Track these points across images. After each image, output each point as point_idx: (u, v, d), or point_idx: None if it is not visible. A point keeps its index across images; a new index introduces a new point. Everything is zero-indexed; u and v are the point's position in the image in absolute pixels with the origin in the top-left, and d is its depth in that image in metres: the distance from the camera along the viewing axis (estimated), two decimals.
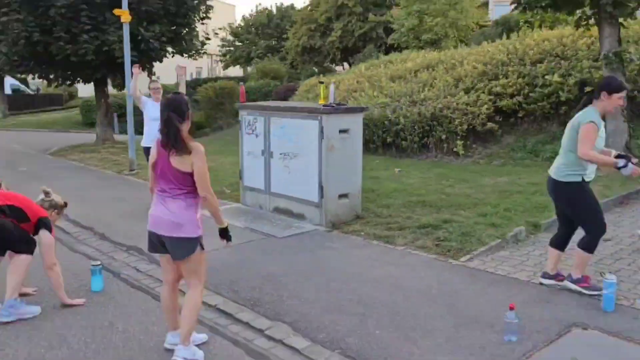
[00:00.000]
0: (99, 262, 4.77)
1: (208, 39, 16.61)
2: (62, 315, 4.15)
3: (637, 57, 9.64)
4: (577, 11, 9.66)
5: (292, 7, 38.57)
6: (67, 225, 6.83)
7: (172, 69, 42.15)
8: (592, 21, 9.55)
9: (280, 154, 6.97)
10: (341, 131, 6.48)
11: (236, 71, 43.40)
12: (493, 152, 11.92)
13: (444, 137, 12.12)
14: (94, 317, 4.11)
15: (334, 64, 28.17)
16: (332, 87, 6.52)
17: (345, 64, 27.50)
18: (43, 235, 4.20)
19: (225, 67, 39.86)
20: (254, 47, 36.86)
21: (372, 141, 13.32)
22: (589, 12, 9.47)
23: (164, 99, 3.47)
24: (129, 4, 12.44)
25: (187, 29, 14.72)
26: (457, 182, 8.99)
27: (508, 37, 14.32)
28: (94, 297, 4.50)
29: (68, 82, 14.84)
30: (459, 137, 11.96)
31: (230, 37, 39.30)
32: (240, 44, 38.92)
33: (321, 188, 6.47)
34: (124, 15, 10.26)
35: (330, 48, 25.45)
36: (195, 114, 21.30)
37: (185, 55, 15.71)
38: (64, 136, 20.58)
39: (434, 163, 11.69)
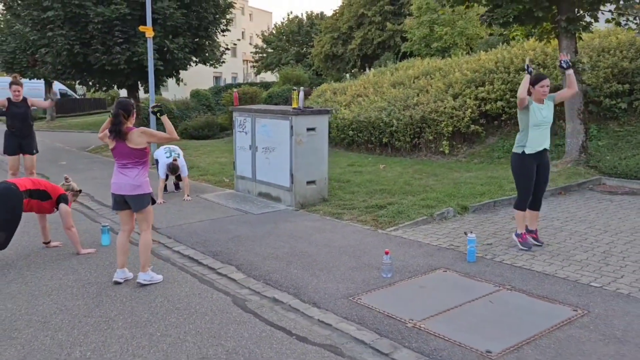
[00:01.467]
0: (107, 224, 6.40)
1: (227, 49, 18.25)
2: (78, 259, 5.77)
3: (589, 66, 10.78)
4: (538, 26, 10.86)
5: (321, 15, 40.21)
6: (93, 204, 8.54)
7: (203, 75, 44.14)
8: (553, 34, 10.75)
9: (262, 147, 8.51)
10: (308, 129, 7.96)
11: (270, 77, 45.30)
12: (476, 151, 13.17)
13: (431, 137, 13.43)
14: (100, 260, 5.72)
15: (354, 70, 29.55)
16: (301, 93, 8.01)
17: (367, 71, 28.86)
18: (62, 206, 5.86)
19: (258, 72, 41.74)
20: (284, 54, 38.64)
21: (370, 141, 14.77)
22: (549, 26, 10.68)
23: (116, 101, 5.02)
24: (157, 19, 14.33)
25: (208, 41, 16.40)
26: (428, 176, 10.31)
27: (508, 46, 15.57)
28: (102, 249, 6.11)
29: (104, 88, 16.77)
30: (445, 138, 13.26)
31: (262, 44, 41.25)
32: (271, 50, 40.78)
33: (292, 176, 7.97)
34: (148, 31, 12.00)
35: (351, 55, 26.92)
36: (220, 117, 23.14)
37: (207, 64, 17.40)
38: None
39: (420, 161, 12.99)
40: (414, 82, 15.74)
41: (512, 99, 12.79)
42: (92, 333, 3.95)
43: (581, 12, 10.15)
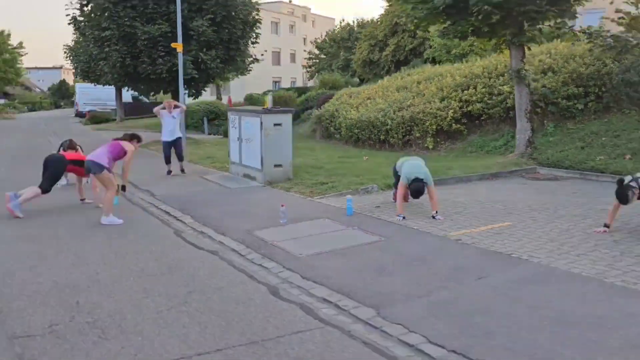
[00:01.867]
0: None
1: (256, 59, 20.92)
2: (95, 211, 8.45)
3: (531, 74, 12.52)
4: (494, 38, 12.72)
5: (372, 23, 42.37)
6: None
7: (263, 79, 46.82)
8: (504, 45, 12.60)
9: (245, 139, 10.99)
10: (275, 124, 10.36)
11: None
12: (456, 147, 15.09)
13: (418, 135, 15.46)
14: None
15: (388, 76, 31.56)
16: (270, 97, 10.44)
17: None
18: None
19: (310, 77, 44.45)
20: (334, 60, 41.15)
21: (370, 138, 16.95)
22: (500, 39, 12.53)
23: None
24: (192, 35, 17.19)
25: (238, 53, 19.13)
26: (387, 165, 12.34)
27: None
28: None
29: (152, 93, 19.89)
30: (430, 135, 15.25)
31: (316, 51, 43.99)
32: (324, 56, 43.42)
33: (262, 160, 10.40)
34: (179, 47, 14.81)
35: (385, 61, 29.04)
36: None
37: (238, 72, 20.18)
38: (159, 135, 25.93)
39: (405, 154, 15.02)
40: (415, 87, 17.72)
41: (489, 101, 14.62)
42: (94, 251, 6.56)
43: (525, 26, 11.93)
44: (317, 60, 43.51)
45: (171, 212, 8.26)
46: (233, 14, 17.79)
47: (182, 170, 12.01)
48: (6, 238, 6.78)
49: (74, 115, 42.60)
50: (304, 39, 60.75)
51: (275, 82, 52.60)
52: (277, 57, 54.53)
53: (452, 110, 15.03)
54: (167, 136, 11.99)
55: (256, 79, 48.16)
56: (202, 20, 17.15)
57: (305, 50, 51.35)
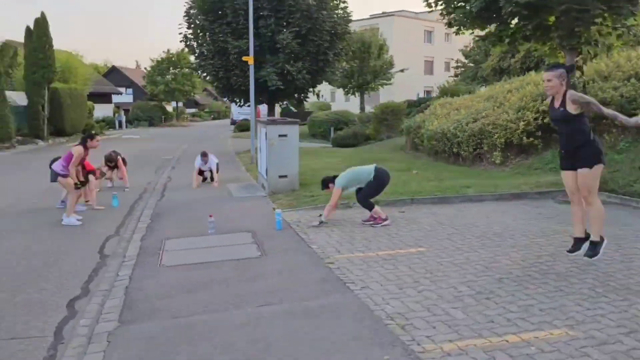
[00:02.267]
0: (115, 192, 9.95)
1: (345, 70, 20.93)
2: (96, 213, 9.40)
3: (583, 81, 10.83)
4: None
5: None
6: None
7: (413, 87, 46.56)
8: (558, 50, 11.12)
9: (260, 149, 11.23)
10: (280, 135, 10.44)
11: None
12: (527, 163, 13.62)
13: (486, 149, 14.27)
14: (109, 213, 9.24)
15: None
16: (276, 107, 10.53)
17: None
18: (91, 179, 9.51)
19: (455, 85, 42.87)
20: (480, 68, 39.21)
21: (444, 151, 16.01)
22: (557, 43, 11.09)
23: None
24: (279, 48, 17.92)
25: (327, 64, 19.38)
26: (429, 181, 11.66)
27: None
28: (111, 209, 9.64)
29: (248, 104, 21.01)
30: (498, 149, 13.98)
31: (464, 59, 42.34)
32: (472, 65, 41.59)
33: (266, 170, 10.55)
34: (250, 60, 15.56)
35: (514, 68, 27.03)
36: (370, 128, 25.78)
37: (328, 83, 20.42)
38: None
39: (464, 169, 14.00)
40: (502, 96, 16.35)
41: None
42: None
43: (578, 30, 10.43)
44: (464, 69, 41.81)
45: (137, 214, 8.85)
46: (318, 27, 18.10)
47: (211, 179, 12.55)
48: None
49: (230, 123, 46.53)
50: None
51: (427, 91, 51.77)
52: (429, 65, 53.66)
53: (524, 122, 13.62)
54: None
55: (406, 88, 48.07)
56: (288, 34, 17.73)
57: (452, 59, 49.75)
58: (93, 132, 9.20)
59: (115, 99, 56.49)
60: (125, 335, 4.09)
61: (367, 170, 7.71)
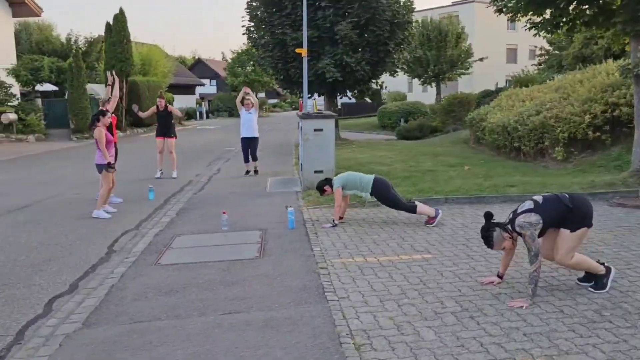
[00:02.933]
0: (151, 186, 10.10)
1: (407, 60, 20.20)
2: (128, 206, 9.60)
3: None
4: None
5: None
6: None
7: (494, 77, 44.79)
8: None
9: (299, 143, 11.02)
10: (316, 130, 10.19)
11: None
12: (593, 159, 12.56)
13: (547, 144, 13.28)
14: (142, 206, 9.42)
15: None
16: (311, 101, 10.28)
17: None
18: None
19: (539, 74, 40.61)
20: (564, 55, 36.88)
21: (505, 145, 15.10)
22: (619, 29, 10.03)
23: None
24: (337, 39, 17.62)
25: (387, 55, 18.80)
26: (476, 178, 11.01)
27: None
28: (147, 201, 9.80)
29: (309, 95, 20.82)
30: (560, 145, 12.97)
31: (547, 46, 40.02)
32: (557, 52, 39.22)
33: (301, 165, 10.35)
34: (303, 52, 15.38)
35: (596, 56, 25.14)
36: (437, 120, 24.92)
37: (390, 74, 19.80)
38: (350, 135, 26.86)
39: (525, 166, 13.13)
40: (571, 87, 15.19)
41: None
42: None
43: None
44: (547, 57, 39.42)
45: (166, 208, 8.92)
46: (377, 16, 17.58)
47: (255, 172, 12.53)
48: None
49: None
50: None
51: (508, 80, 49.45)
52: (512, 54, 51.30)
53: (590, 116, 12.56)
54: (244, 132, 12.28)
55: (486, 78, 46.23)
56: (346, 24, 17.38)
57: (536, 47, 47.09)
58: (102, 108, 8.88)
59: (200, 90, 58.34)
60: (79, 339, 4.03)
61: (367, 180, 7.44)
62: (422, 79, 41.25)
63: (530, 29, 10.69)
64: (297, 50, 15.80)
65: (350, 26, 17.44)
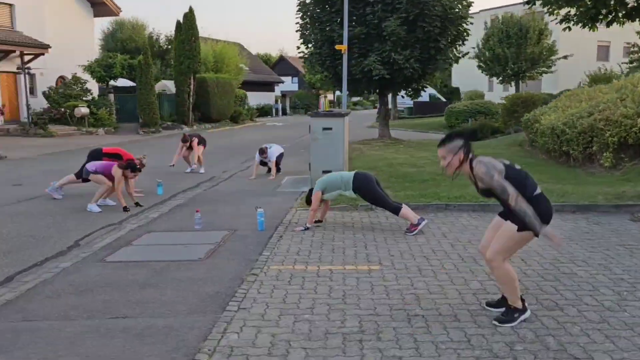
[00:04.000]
0: (160, 180, 10.20)
1: (459, 58, 19.17)
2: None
3: None
4: None
5: None
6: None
7: (576, 74, 42.37)
8: None
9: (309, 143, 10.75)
10: (324, 129, 9.88)
11: None
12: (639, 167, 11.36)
13: (596, 148, 12.15)
14: (146, 201, 9.56)
15: None
16: (322, 99, 9.95)
17: None
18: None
19: (627, 73, 37.65)
20: None
21: (554, 149, 13.97)
22: None
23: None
24: (385, 36, 17.14)
25: (438, 52, 17.97)
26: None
27: None
28: (155, 196, 9.93)
29: (366, 93, 20.37)
30: (609, 150, 11.83)
31: None
32: None
33: (309, 165, 10.07)
34: (343, 48, 15.06)
35: None
36: (500, 121, 23.64)
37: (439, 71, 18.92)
38: (410, 134, 26.10)
39: (567, 172, 12.11)
40: (632, 87, 13.83)
41: None
42: None
43: None
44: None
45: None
46: (427, 11, 16.87)
47: (269, 171, 12.29)
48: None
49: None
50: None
51: (581, 79, 46.34)
52: (604, 51, 47.99)
53: None
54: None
55: (572, 76, 43.45)
56: (394, 20, 16.85)
57: (630, 43, 43.53)
58: (137, 166, 8.91)
59: (282, 87, 59.02)
60: None
61: (347, 177, 7.15)
62: (500, 78, 39.54)
63: (561, 22, 9.79)
64: (337, 47, 15.47)
65: (398, 22, 16.85)
